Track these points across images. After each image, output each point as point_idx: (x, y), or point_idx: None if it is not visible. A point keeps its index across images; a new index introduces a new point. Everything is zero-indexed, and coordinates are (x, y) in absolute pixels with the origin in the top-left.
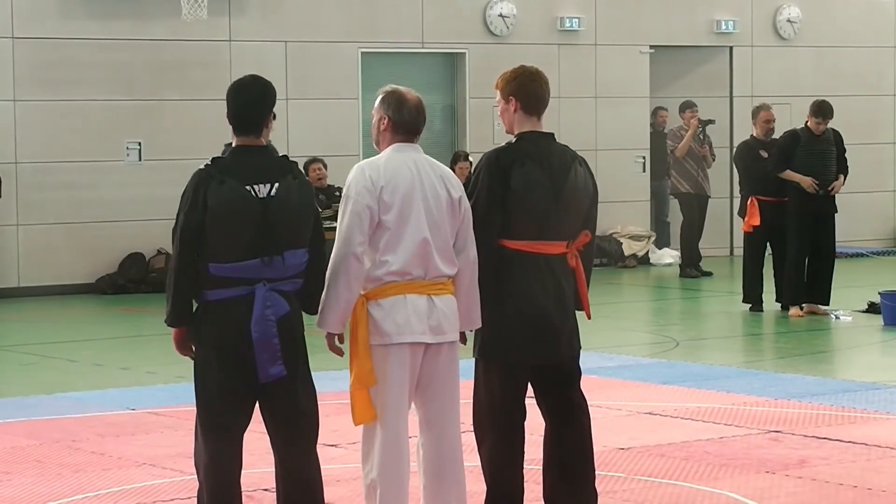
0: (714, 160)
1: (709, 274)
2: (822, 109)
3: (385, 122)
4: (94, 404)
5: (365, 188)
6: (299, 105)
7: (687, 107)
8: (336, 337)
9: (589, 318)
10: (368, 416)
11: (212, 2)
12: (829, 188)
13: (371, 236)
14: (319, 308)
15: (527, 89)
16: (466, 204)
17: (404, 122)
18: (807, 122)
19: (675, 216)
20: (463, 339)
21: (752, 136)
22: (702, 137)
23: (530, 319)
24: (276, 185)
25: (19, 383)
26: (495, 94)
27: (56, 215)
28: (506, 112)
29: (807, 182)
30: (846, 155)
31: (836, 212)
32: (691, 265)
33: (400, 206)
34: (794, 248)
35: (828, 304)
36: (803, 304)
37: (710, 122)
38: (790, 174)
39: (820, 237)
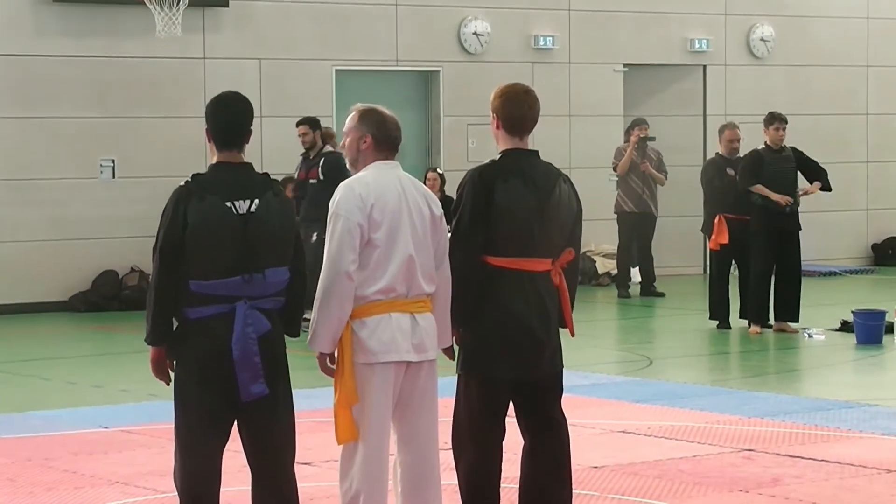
0: (666, 178)
1: (661, 294)
2: (774, 116)
3: (367, 140)
4: (66, 422)
5: (356, 206)
6: (273, 122)
7: (636, 124)
8: (328, 357)
9: (573, 335)
10: (352, 434)
11: (186, 19)
12: (795, 204)
13: (362, 256)
14: (311, 328)
15: (507, 110)
16: (443, 221)
17: (387, 139)
18: (765, 141)
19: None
20: (451, 354)
21: (717, 153)
22: (641, 154)
23: (513, 335)
24: (256, 201)
25: None
26: (470, 111)
27: (29, 232)
28: (492, 125)
29: (779, 198)
30: (815, 162)
31: (800, 229)
32: (625, 286)
33: (389, 225)
34: (758, 267)
35: (797, 322)
36: (771, 323)
37: (651, 138)
38: (760, 188)
39: (785, 255)
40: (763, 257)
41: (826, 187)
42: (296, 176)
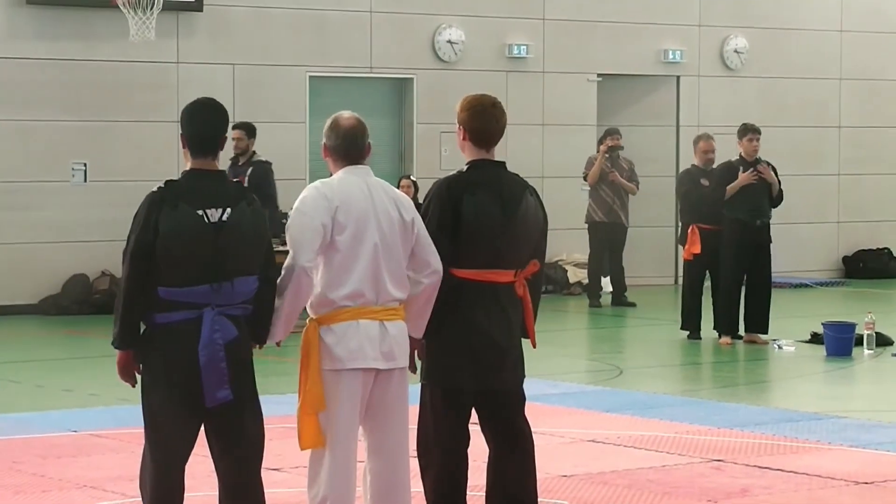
0: (638, 188)
1: (632, 304)
2: (748, 127)
3: (323, 148)
4: (35, 425)
5: (321, 206)
6: None
7: (608, 134)
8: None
9: (534, 346)
10: (316, 441)
11: (160, 23)
12: (766, 217)
13: (326, 258)
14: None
15: (473, 123)
16: (420, 224)
17: (344, 147)
18: (739, 153)
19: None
20: (413, 367)
21: (693, 164)
22: (611, 164)
23: (476, 346)
24: (229, 210)
25: None
26: (444, 119)
27: (0, 235)
28: (457, 135)
29: (746, 176)
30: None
31: (771, 241)
32: (597, 295)
33: (354, 228)
34: (728, 279)
35: (766, 334)
36: (741, 334)
37: (619, 148)
38: (731, 186)
39: (756, 268)
40: (733, 269)
41: (773, 203)
42: None
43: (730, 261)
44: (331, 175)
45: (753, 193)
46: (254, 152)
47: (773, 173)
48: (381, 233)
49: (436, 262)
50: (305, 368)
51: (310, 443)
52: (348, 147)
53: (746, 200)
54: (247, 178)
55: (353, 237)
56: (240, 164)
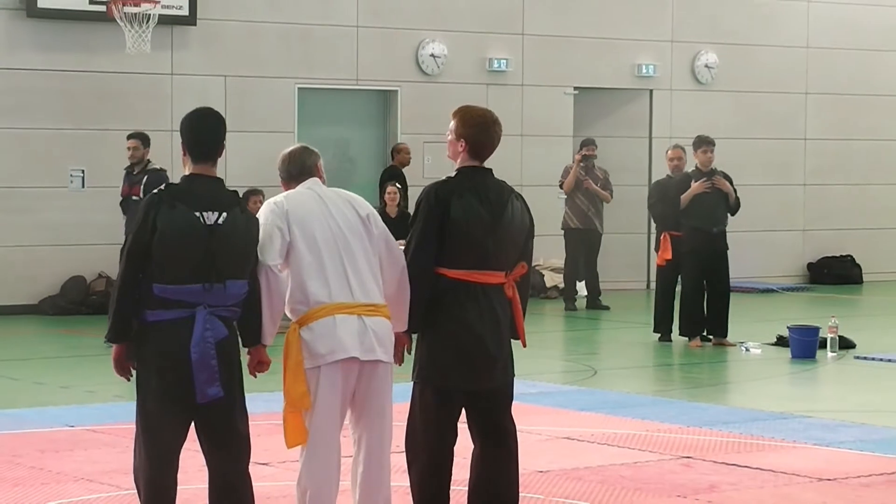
0: (612, 196)
1: (606, 308)
2: (701, 139)
3: (282, 183)
4: (34, 421)
5: (272, 212)
6: (237, 137)
7: (584, 144)
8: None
9: (524, 346)
10: (300, 438)
11: (155, 36)
12: (722, 226)
13: (291, 262)
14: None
15: (477, 138)
16: (378, 220)
17: (287, 172)
18: (696, 164)
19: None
20: (399, 360)
21: (667, 175)
22: (586, 173)
23: (467, 347)
24: (224, 214)
25: None
26: (426, 129)
27: (1, 238)
28: (453, 145)
29: (698, 186)
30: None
31: (728, 248)
32: (572, 299)
33: (310, 227)
34: (689, 285)
35: (725, 337)
36: (710, 337)
37: (594, 157)
38: (683, 197)
39: (714, 274)
40: (694, 276)
41: (730, 211)
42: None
43: (688, 267)
44: None
45: (709, 203)
46: (149, 161)
47: (727, 183)
48: (338, 229)
49: (399, 255)
50: (287, 369)
51: (294, 440)
52: (294, 169)
53: (702, 209)
54: (142, 188)
55: (311, 239)
56: (135, 172)
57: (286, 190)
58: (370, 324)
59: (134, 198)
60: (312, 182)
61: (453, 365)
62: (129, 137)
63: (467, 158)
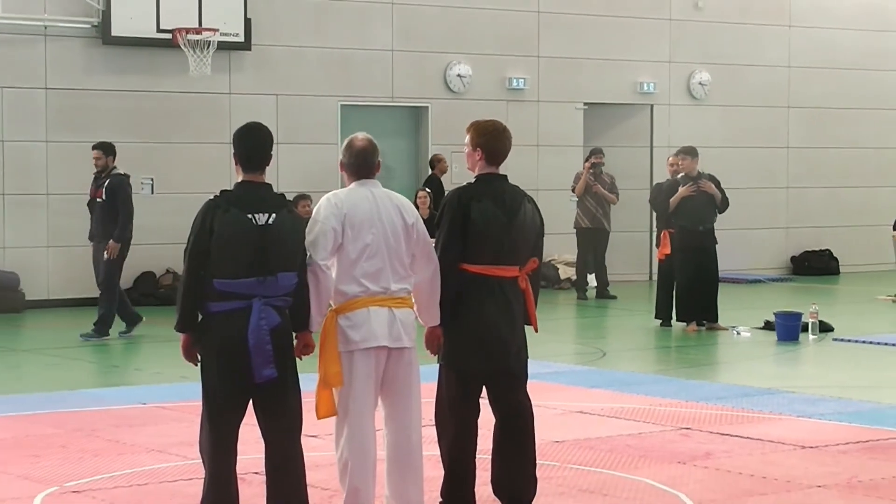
0: (617, 199)
1: (614, 297)
2: (683, 149)
3: (340, 164)
4: (110, 399)
5: (332, 213)
6: (288, 149)
7: (593, 153)
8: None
9: (536, 331)
10: (330, 411)
11: (214, 60)
12: (709, 223)
13: (339, 257)
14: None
15: (491, 146)
16: (421, 227)
17: (356, 164)
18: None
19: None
20: (435, 350)
21: (667, 178)
22: (595, 178)
23: (485, 334)
24: (274, 215)
25: (46, 381)
26: (454, 141)
27: (80, 239)
28: (471, 156)
29: (684, 190)
30: (723, 191)
31: (717, 243)
32: (583, 290)
33: (361, 230)
34: (682, 277)
35: (717, 321)
36: (704, 322)
37: (602, 164)
38: (672, 200)
39: (704, 267)
40: (685, 270)
41: (720, 210)
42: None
43: (681, 263)
44: (344, 186)
45: (696, 204)
46: (113, 167)
47: (712, 185)
48: (385, 234)
49: (434, 257)
50: (323, 350)
51: (324, 412)
52: (359, 164)
53: (689, 210)
54: (104, 190)
55: (361, 238)
56: (102, 177)
57: (342, 170)
58: (399, 315)
59: (98, 200)
60: (371, 184)
61: (473, 350)
62: (93, 148)
63: (485, 166)
